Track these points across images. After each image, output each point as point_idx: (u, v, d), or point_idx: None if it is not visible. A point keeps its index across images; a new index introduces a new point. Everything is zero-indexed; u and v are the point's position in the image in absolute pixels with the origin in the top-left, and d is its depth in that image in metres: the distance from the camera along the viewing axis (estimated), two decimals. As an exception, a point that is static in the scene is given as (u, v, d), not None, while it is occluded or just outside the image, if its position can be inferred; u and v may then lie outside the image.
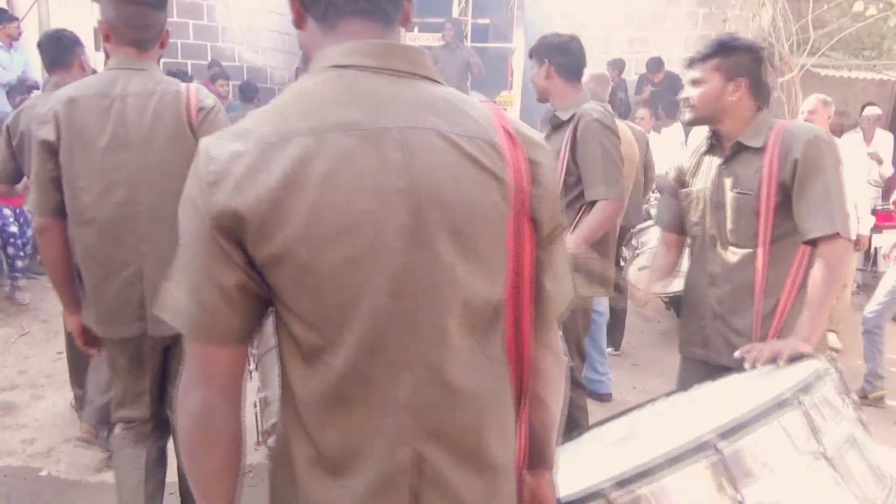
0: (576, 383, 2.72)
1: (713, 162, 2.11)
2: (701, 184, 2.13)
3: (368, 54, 0.92)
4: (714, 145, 2.13)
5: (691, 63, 2.09)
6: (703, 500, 1.38)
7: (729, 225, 2.05)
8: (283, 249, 0.85)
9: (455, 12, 8.30)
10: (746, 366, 1.75)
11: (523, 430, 1.07)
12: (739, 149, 2.03)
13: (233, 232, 0.85)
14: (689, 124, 2.23)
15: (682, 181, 2.22)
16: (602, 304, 3.71)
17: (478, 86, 7.53)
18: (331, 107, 0.89)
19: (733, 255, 2.06)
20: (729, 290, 2.07)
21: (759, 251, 1.99)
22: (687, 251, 2.29)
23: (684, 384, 2.03)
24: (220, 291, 0.87)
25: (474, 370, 0.94)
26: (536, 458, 1.12)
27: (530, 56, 2.76)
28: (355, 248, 0.86)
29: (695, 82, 2.05)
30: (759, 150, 1.99)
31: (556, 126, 2.66)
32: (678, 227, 2.26)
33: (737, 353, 1.83)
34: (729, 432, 1.40)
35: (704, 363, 2.14)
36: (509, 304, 0.97)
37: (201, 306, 0.88)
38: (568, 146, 2.56)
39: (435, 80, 0.97)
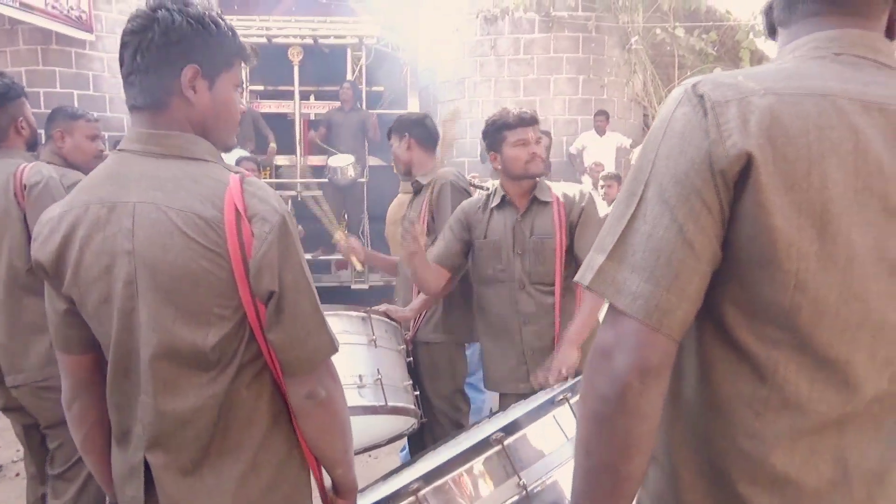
0: (456, 425, 2.83)
1: (508, 215, 2.46)
2: (499, 235, 2.44)
3: (135, 140, 1.19)
4: (508, 202, 2.48)
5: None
6: (491, 485, 1.50)
7: (533, 267, 2.37)
8: (67, 290, 1.19)
9: (354, 80, 8.59)
10: (534, 383, 2.00)
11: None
12: (535, 202, 2.43)
13: (45, 274, 1.21)
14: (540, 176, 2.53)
15: (470, 232, 2.54)
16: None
17: (375, 149, 7.76)
18: (100, 183, 1.18)
19: (540, 293, 2.35)
20: (544, 324, 2.35)
21: (557, 288, 2.34)
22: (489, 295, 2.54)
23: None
24: (55, 315, 1.24)
25: (184, 398, 1.16)
26: (335, 486, 1.34)
27: (389, 134, 3.04)
28: (102, 292, 1.16)
29: (539, 140, 2.41)
30: (549, 203, 2.40)
31: (418, 190, 2.94)
32: (451, 265, 2.56)
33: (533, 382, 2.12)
34: (509, 427, 1.53)
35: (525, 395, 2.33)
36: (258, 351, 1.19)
37: (50, 324, 1.25)
38: (427, 207, 2.80)
39: (191, 158, 1.19)
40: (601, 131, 7.71)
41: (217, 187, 1.14)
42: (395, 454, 3.63)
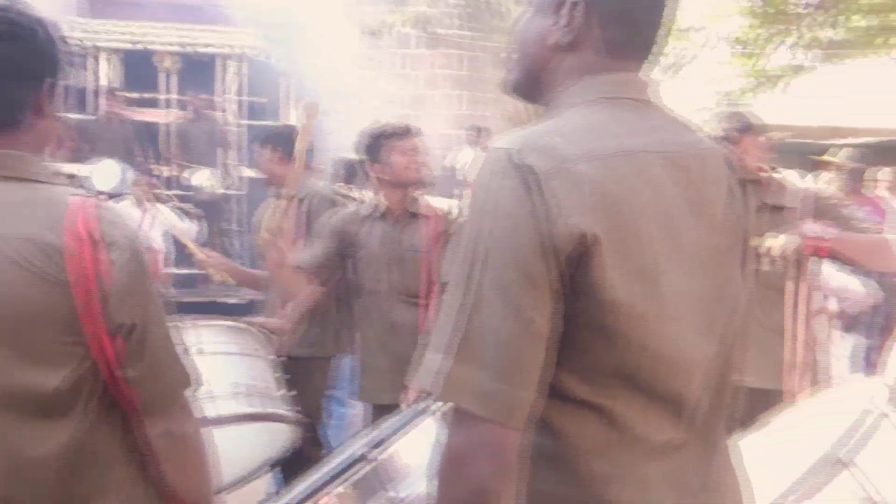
0: (314, 442, 2.82)
1: (384, 227, 2.51)
2: (375, 246, 2.50)
3: None
4: (384, 214, 2.53)
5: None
6: (365, 500, 1.53)
7: (406, 279, 2.44)
8: None
9: (232, 91, 8.38)
10: (403, 406, 2.05)
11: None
12: (410, 215, 2.50)
13: None
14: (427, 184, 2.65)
15: (345, 244, 2.57)
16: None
17: (255, 160, 7.59)
18: None
19: (413, 305, 2.42)
20: (416, 336, 2.40)
21: (425, 301, 2.41)
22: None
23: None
24: None
25: (29, 449, 1.03)
26: None
27: (259, 145, 3.01)
28: None
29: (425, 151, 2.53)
30: (424, 217, 2.49)
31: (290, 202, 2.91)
32: (320, 273, 2.59)
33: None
34: (379, 443, 1.58)
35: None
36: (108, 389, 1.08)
37: None
38: (303, 221, 2.80)
39: (29, 180, 1.07)
40: (475, 145, 7.94)
41: (56, 210, 1.05)
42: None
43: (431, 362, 0.82)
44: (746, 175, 0.98)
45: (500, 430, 0.78)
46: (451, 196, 7.42)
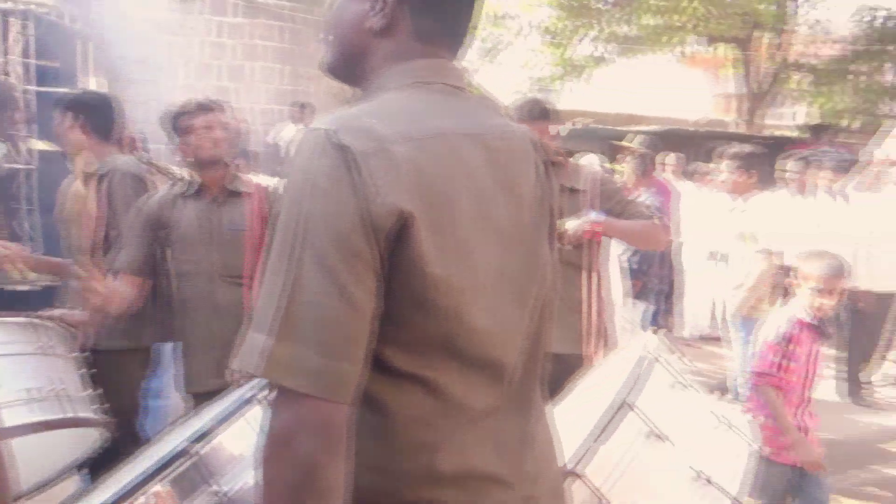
0: (132, 438, 2.64)
1: (200, 206, 2.39)
2: (191, 226, 2.38)
3: None
4: (200, 192, 2.41)
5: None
6: (188, 498, 1.48)
7: (228, 259, 2.34)
8: None
9: (16, 52, 7.39)
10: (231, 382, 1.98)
11: None
12: (229, 193, 2.40)
13: None
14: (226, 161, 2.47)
15: (160, 227, 2.42)
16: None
17: (46, 132, 6.79)
18: None
19: (236, 286, 2.33)
20: (240, 318, 2.30)
21: (250, 281, 2.32)
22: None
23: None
24: None
25: None
26: None
27: (57, 111, 2.70)
28: None
29: (226, 126, 2.37)
30: (245, 195, 2.40)
31: (90, 178, 2.63)
32: (142, 271, 2.42)
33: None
34: (201, 436, 1.53)
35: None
36: None
37: None
38: (105, 200, 2.56)
39: None
40: (300, 122, 7.75)
41: None
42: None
43: (253, 342, 0.81)
44: (551, 157, 1.07)
45: (327, 406, 0.79)
46: (275, 173, 7.21)
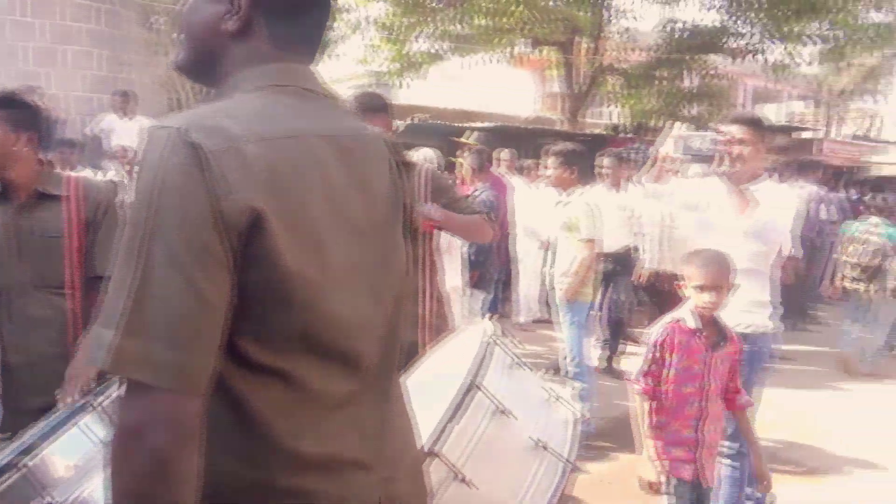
0: None
1: (6, 211, 2.15)
2: None
3: None
4: (4, 194, 2.17)
5: None
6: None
7: (41, 269, 2.14)
8: None
9: None
10: (60, 404, 1.84)
11: None
12: (40, 196, 2.16)
13: None
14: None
15: None
16: None
17: None
18: None
19: (51, 296, 2.15)
20: (57, 330, 2.14)
21: (70, 290, 2.16)
22: None
23: None
24: None
25: None
26: None
27: None
28: None
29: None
30: (60, 198, 2.16)
31: None
32: None
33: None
34: (29, 448, 1.44)
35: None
36: None
37: None
38: None
39: None
40: (122, 112, 7.21)
41: None
42: None
43: (101, 337, 0.80)
44: (403, 157, 1.14)
45: (178, 399, 0.80)
46: (97, 167, 6.65)
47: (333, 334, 0.94)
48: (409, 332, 2.44)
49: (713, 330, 2.48)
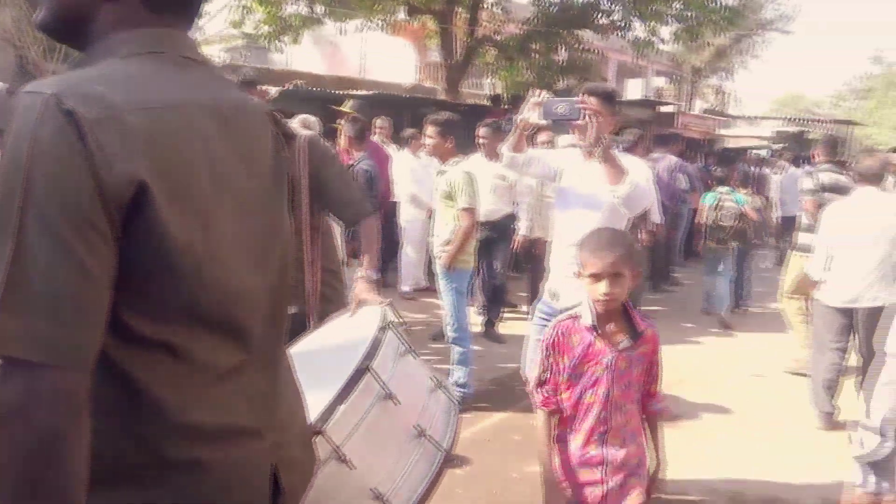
0: None
1: None
2: None
3: None
4: None
5: None
6: None
7: None
8: None
9: None
10: None
11: None
12: None
13: None
14: None
15: None
16: None
17: None
18: None
19: None
20: None
21: None
22: None
23: None
24: None
25: None
26: None
27: None
28: None
29: None
30: None
31: None
32: None
33: None
34: None
35: None
36: None
37: None
38: None
39: None
40: (-37, 72, 6.50)
41: None
42: None
43: None
44: (286, 130, 1.13)
45: (64, 374, 0.77)
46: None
47: (220, 305, 0.93)
48: (298, 302, 2.40)
49: (620, 326, 2.05)
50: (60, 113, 0.78)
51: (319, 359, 1.90)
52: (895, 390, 2.75)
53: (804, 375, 4.54)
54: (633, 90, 23.21)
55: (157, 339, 0.88)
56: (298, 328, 2.19)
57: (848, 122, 22.98)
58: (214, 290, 0.92)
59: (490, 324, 5.77)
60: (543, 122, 2.85)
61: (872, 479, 2.87)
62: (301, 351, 1.90)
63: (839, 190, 4.94)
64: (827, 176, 5.16)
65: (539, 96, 2.82)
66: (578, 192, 2.96)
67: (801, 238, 5.17)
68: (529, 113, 2.84)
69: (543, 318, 3.02)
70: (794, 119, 24.02)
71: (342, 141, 5.48)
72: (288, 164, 1.11)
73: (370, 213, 2.57)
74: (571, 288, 2.84)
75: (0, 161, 0.79)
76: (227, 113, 0.98)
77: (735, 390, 4.75)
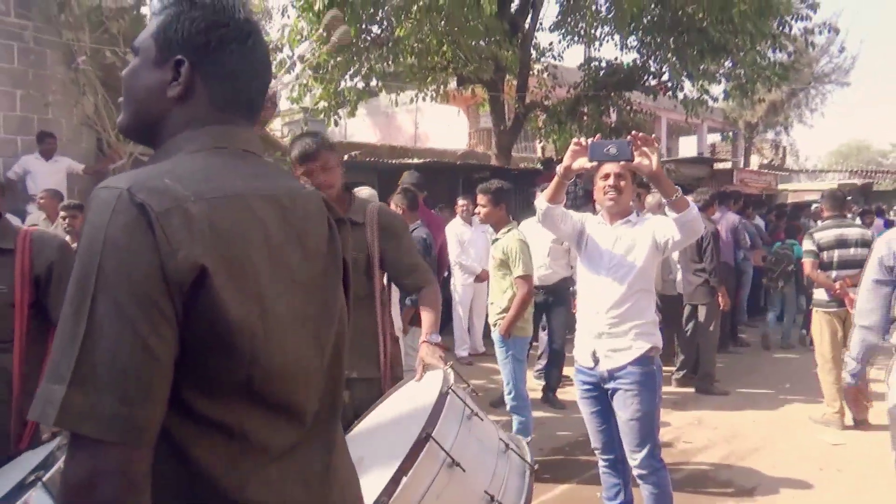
0: None
1: None
2: None
3: None
4: None
5: None
6: None
7: None
8: None
9: None
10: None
11: None
12: None
13: None
14: None
15: None
16: None
17: None
18: None
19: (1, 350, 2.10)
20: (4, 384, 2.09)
21: (17, 343, 2.12)
22: None
23: None
24: None
25: None
26: None
27: None
28: None
29: None
30: (10, 252, 2.15)
31: None
32: None
33: None
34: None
35: None
36: None
37: None
38: None
39: None
40: (47, 155, 6.97)
41: None
42: None
43: (48, 392, 0.81)
44: (338, 215, 1.19)
45: (126, 451, 0.81)
46: (20, 213, 6.38)
47: (277, 385, 0.96)
48: (372, 369, 2.43)
49: None
50: (133, 206, 0.85)
51: (387, 431, 1.90)
52: None
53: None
54: (687, 148, 23.06)
55: (215, 418, 0.91)
56: (373, 392, 2.23)
57: (916, 172, 22.18)
58: (271, 369, 0.95)
59: (549, 389, 5.66)
60: (588, 165, 2.69)
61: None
62: (369, 426, 1.90)
63: (843, 244, 5.13)
64: (826, 234, 5.25)
65: (584, 141, 2.70)
66: (608, 257, 2.92)
67: (817, 294, 5.21)
68: (571, 158, 2.70)
69: (589, 388, 2.97)
70: (859, 171, 23.33)
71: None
72: (342, 248, 1.16)
73: (433, 281, 2.58)
74: (606, 349, 2.83)
75: (77, 250, 0.87)
76: (284, 200, 1.04)
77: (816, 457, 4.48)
